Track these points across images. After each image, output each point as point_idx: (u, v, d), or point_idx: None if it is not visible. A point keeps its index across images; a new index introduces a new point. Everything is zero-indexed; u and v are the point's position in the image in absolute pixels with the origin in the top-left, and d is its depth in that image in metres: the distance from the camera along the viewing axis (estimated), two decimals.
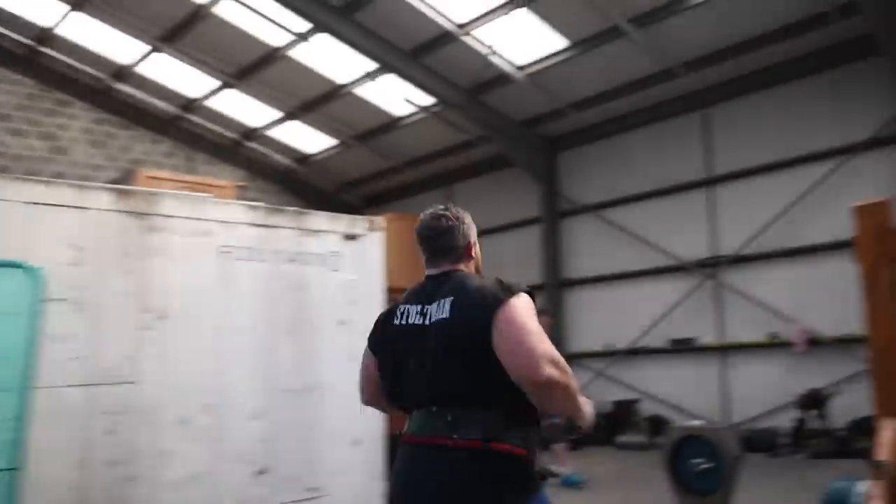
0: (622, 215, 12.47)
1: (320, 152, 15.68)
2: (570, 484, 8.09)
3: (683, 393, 11.18)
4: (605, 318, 12.63)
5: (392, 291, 11.98)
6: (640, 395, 11.82)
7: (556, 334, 12.36)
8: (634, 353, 12.05)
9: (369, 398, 2.71)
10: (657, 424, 10.81)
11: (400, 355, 2.47)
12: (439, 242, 2.58)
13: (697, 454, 5.81)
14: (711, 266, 11.22)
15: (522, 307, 2.30)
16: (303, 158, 16.05)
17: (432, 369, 2.34)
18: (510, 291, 2.32)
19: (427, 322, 2.42)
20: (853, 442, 8.63)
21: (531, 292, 2.40)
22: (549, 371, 2.15)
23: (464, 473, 2.25)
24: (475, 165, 14.78)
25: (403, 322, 2.49)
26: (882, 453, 5.07)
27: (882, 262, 5.50)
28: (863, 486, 5.04)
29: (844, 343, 9.50)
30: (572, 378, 2.24)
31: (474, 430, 2.27)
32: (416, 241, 2.60)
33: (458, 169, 15.12)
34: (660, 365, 11.79)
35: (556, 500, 7.45)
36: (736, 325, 10.98)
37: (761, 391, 10.55)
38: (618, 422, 11.41)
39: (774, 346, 10.44)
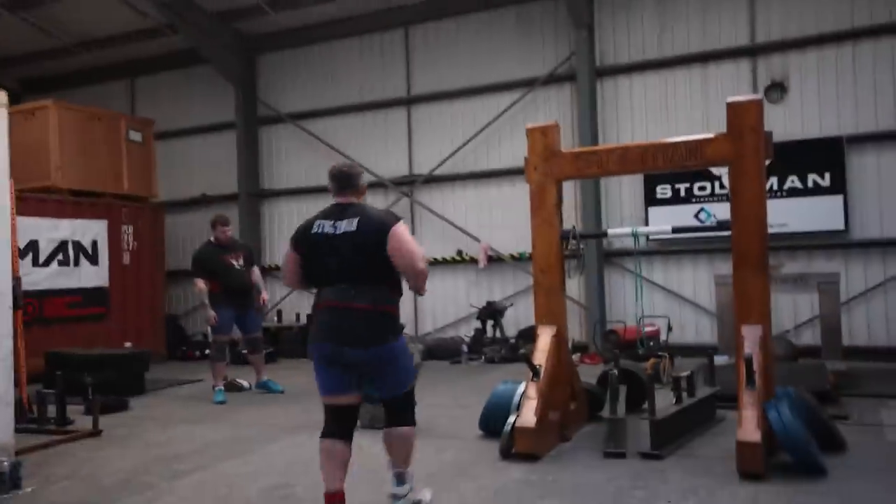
0: (324, 128, 12.12)
1: None
2: (269, 389, 7.93)
3: None
4: None
5: (55, 191, 10.32)
6: None
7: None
8: None
9: (289, 282, 4.10)
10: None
11: (318, 252, 3.82)
12: (349, 181, 4.02)
13: None
14: (408, 184, 11.50)
15: (404, 228, 3.79)
16: None
17: (342, 261, 3.75)
18: (396, 218, 3.83)
19: (337, 232, 3.80)
20: (521, 348, 9.65)
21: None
22: (422, 265, 3.79)
23: (362, 321, 3.72)
24: (162, 58, 13.16)
25: (320, 231, 3.85)
26: (538, 357, 5.66)
27: (548, 181, 5.88)
28: (521, 387, 5.61)
29: (519, 261, 10.49)
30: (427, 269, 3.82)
31: (368, 299, 3.73)
32: (328, 178, 4.06)
33: (142, 60, 13.34)
34: None
35: (251, 404, 7.19)
36: (427, 242, 11.48)
37: (448, 304, 11.29)
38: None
39: (460, 262, 11.15)
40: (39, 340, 9.57)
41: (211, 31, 11.93)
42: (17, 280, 6.60)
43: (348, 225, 3.77)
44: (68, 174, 10.42)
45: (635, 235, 5.45)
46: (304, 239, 3.90)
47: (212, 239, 7.91)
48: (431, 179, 11.37)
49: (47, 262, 10.00)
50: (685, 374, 5.47)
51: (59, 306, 10.15)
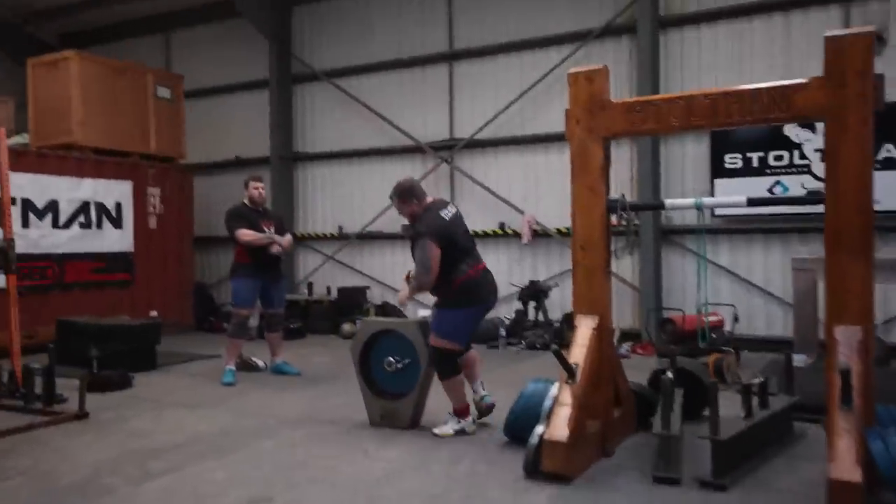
0: (360, 86, 11.29)
1: None
2: (284, 373, 7.27)
3: None
4: (337, 199, 11.66)
5: (77, 149, 9.79)
6: (371, 281, 11.20)
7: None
8: (366, 237, 11.31)
9: (434, 275, 4.85)
10: (386, 313, 10.30)
11: (456, 232, 5.02)
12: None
13: (391, 352, 5.12)
14: (448, 149, 10.61)
15: None
16: None
17: (467, 235, 5.22)
18: None
19: (454, 213, 5.14)
20: (566, 334, 8.75)
21: None
22: None
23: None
24: (197, 11, 12.49)
25: (448, 217, 5.02)
26: (574, 354, 4.73)
27: (592, 138, 4.63)
28: (554, 390, 4.73)
29: (567, 236, 9.50)
30: None
31: None
32: (414, 186, 5.20)
33: (177, 13, 12.72)
34: (394, 251, 11.18)
35: (260, 388, 6.55)
36: (467, 213, 10.54)
37: None
38: (344, 310, 10.70)
39: (502, 236, 10.26)
40: (59, 307, 9.16)
41: None
42: (8, 241, 6.07)
43: (452, 208, 5.16)
44: (91, 131, 9.90)
45: (699, 208, 4.46)
46: (445, 229, 4.90)
47: (245, 201, 7.22)
48: (473, 144, 10.44)
49: (68, 224, 9.54)
50: (757, 380, 4.51)
51: (82, 271, 9.70)
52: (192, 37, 12.88)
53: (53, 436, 4.96)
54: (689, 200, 4.55)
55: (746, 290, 8.71)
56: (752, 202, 4.49)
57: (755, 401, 4.46)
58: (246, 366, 7.48)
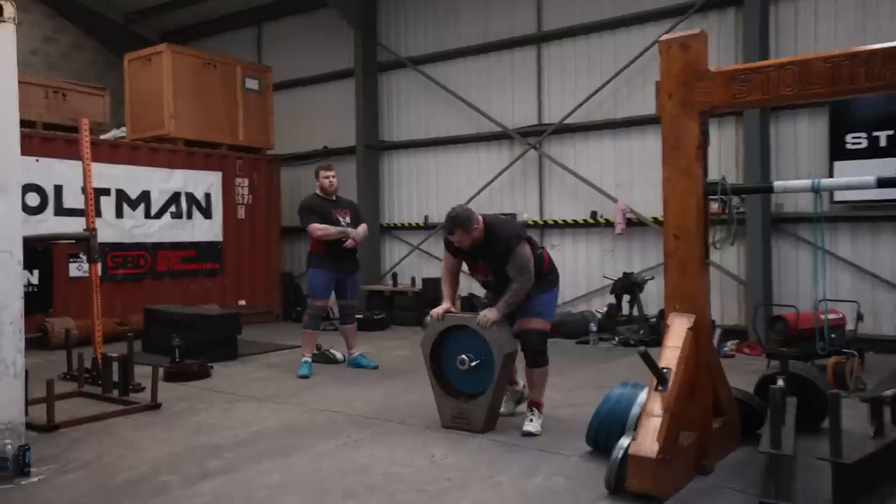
0: (445, 73, 10.95)
1: None
2: (360, 366, 7.06)
3: None
4: (423, 188, 11.39)
5: (168, 140, 9.94)
6: None
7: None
8: None
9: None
10: (473, 306, 9.93)
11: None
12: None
13: (464, 349, 4.74)
14: (536, 135, 10.11)
15: None
16: None
17: None
18: None
19: None
20: (662, 330, 8.10)
21: None
22: None
23: None
24: (286, 2, 12.55)
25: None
26: (666, 357, 3.78)
27: (687, 112, 4.01)
28: (642, 396, 3.94)
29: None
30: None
31: None
32: (471, 211, 4.77)
33: (267, 5, 12.82)
34: None
35: (335, 381, 6.34)
36: (556, 202, 10.10)
37: (579, 274, 9.90)
38: (429, 301, 10.39)
39: (594, 225, 9.67)
40: (151, 295, 9.36)
41: None
42: (92, 231, 6.12)
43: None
44: (182, 123, 10.04)
45: (817, 190, 3.81)
46: (521, 226, 5.28)
47: (317, 191, 7.04)
48: (562, 129, 9.90)
49: (159, 214, 9.72)
50: (892, 391, 3.84)
51: (173, 260, 9.88)
52: (281, 29, 12.95)
53: (123, 426, 4.90)
54: (805, 182, 3.91)
55: (871, 284, 7.79)
56: (882, 183, 3.80)
57: (888, 415, 3.79)
58: (325, 358, 7.32)
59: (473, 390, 4.75)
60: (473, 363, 4.69)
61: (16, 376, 3.89)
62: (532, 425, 4.67)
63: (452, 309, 4.94)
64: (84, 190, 6.14)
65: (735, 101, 3.96)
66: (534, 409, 4.77)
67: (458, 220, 4.63)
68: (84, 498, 3.57)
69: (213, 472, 3.95)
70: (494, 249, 4.68)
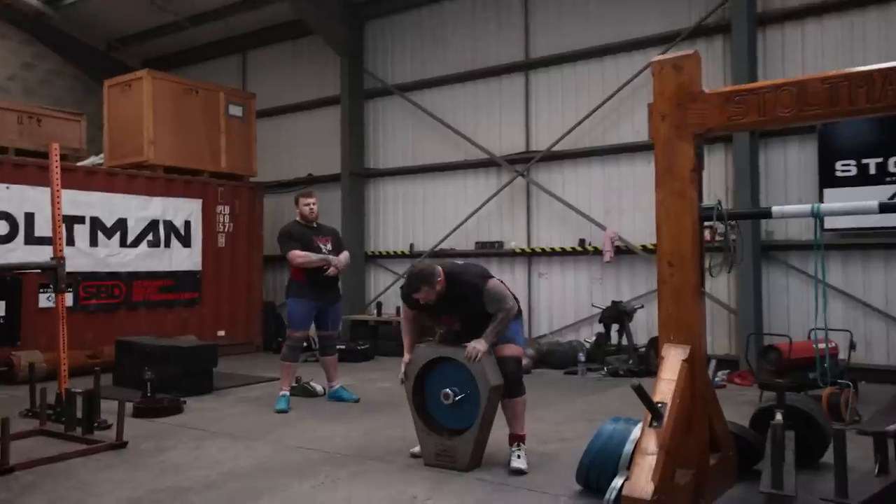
0: (433, 100, 10.85)
1: None
2: (341, 399, 6.78)
3: None
4: (408, 216, 11.22)
5: (147, 167, 9.69)
6: None
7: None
8: (438, 255, 10.78)
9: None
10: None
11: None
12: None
13: (448, 383, 4.50)
14: (524, 162, 9.97)
15: None
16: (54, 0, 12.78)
17: None
18: None
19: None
20: (652, 360, 7.91)
21: None
22: None
23: None
24: (270, 30, 12.45)
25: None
26: (660, 391, 3.53)
27: (681, 135, 3.82)
28: (636, 432, 3.73)
29: (653, 253, 8.64)
30: None
31: None
32: (433, 265, 4.57)
33: (251, 33, 12.71)
34: None
35: (314, 416, 6.05)
36: (544, 229, 9.93)
37: (567, 302, 9.72)
38: None
39: (583, 253, 9.50)
40: (126, 325, 9.05)
41: None
42: (59, 260, 5.86)
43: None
44: (162, 149, 9.83)
45: (818, 215, 3.64)
46: (482, 268, 4.92)
47: (297, 218, 6.82)
48: (550, 156, 9.77)
49: (136, 243, 9.45)
50: (894, 427, 3.63)
51: (149, 289, 9.59)
52: (266, 56, 12.85)
53: (83, 468, 4.60)
54: (804, 207, 3.74)
55: (863, 313, 7.65)
56: (885, 208, 3.63)
57: (892, 450, 3.59)
58: (304, 391, 7.04)
59: (458, 426, 4.51)
60: (458, 397, 4.46)
61: None
62: (520, 462, 4.42)
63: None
64: (52, 217, 5.89)
65: (730, 124, 3.80)
66: (518, 443, 4.53)
67: (423, 276, 4.42)
68: None
69: None
70: (460, 298, 4.48)
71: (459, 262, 4.84)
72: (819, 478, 4.24)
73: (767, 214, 4.00)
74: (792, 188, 8.10)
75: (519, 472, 4.35)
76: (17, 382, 7.40)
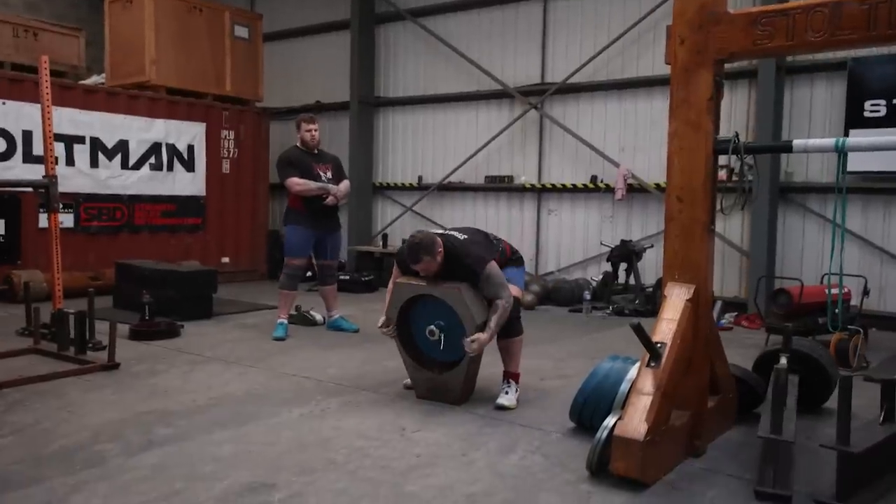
0: (446, 26, 10.43)
1: None
2: (340, 329, 6.72)
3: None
4: (418, 147, 10.95)
5: (149, 88, 9.45)
6: None
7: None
8: (447, 188, 10.56)
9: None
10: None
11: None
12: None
13: (432, 318, 4.36)
14: (538, 94, 9.62)
15: None
16: None
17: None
18: None
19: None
20: (659, 300, 7.74)
21: None
22: None
23: None
24: None
25: (461, 233, 4.55)
26: (660, 331, 3.37)
27: (700, 61, 3.53)
28: (634, 372, 3.53)
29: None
30: None
31: None
32: (433, 234, 4.35)
33: None
34: (475, 203, 10.42)
35: (312, 345, 5.98)
36: (556, 165, 9.66)
37: (576, 240, 9.53)
38: None
39: (594, 190, 9.25)
40: (128, 249, 8.98)
41: None
42: (51, 178, 5.70)
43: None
44: (164, 70, 9.54)
45: (842, 150, 3.38)
46: (486, 239, 4.64)
47: (298, 144, 6.60)
48: (566, 89, 9.41)
49: (138, 165, 9.28)
50: None
51: (151, 214, 9.48)
52: None
53: (73, 387, 4.55)
54: (828, 140, 3.48)
55: (880, 259, 7.41)
56: None
57: None
58: (303, 319, 6.98)
59: (448, 358, 4.39)
60: (444, 333, 4.31)
61: None
62: (507, 398, 4.32)
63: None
64: (44, 133, 5.70)
65: (755, 48, 3.51)
66: (510, 381, 4.42)
67: (423, 246, 4.16)
68: (8, 468, 3.22)
69: (158, 441, 3.60)
70: (457, 276, 4.23)
71: (460, 236, 4.38)
72: (821, 423, 4.13)
73: (788, 148, 3.74)
74: (816, 128, 7.75)
75: (503, 408, 4.25)
76: (17, 301, 7.37)
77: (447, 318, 4.29)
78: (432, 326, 4.31)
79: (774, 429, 3.20)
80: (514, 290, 4.43)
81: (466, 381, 4.35)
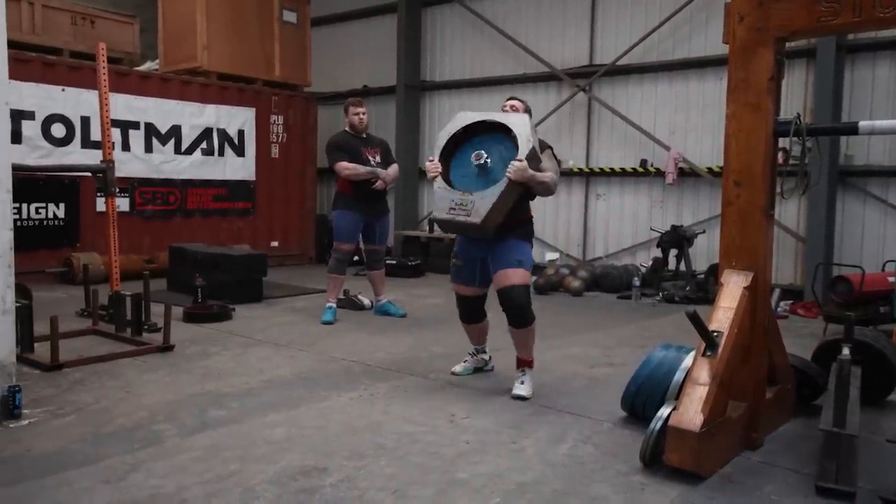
0: (494, 8, 10.32)
1: None
2: (388, 314, 6.75)
3: (543, 221, 9.77)
4: None
5: (201, 73, 9.61)
6: None
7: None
8: None
9: None
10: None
11: None
12: None
13: (483, 147, 4.23)
14: (586, 77, 9.46)
15: None
16: None
17: None
18: None
19: None
20: (710, 287, 7.59)
21: None
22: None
23: None
24: None
25: None
26: (717, 319, 3.27)
27: (761, 38, 3.42)
28: (688, 360, 3.43)
29: (719, 176, 8.17)
30: None
31: None
32: None
33: None
34: None
35: (360, 329, 6.03)
36: (605, 148, 9.50)
37: (625, 225, 9.38)
38: None
39: (644, 174, 9.07)
40: (181, 233, 9.18)
41: None
42: (108, 163, 5.83)
43: None
44: (215, 56, 9.68)
45: None
46: None
47: (346, 128, 6.63)
48: (615, 71, 9.23)
49: (190, 150, 9.46)
50: None
51: (203, 198, 9.66)
52: None
53: (129, 368, 4.67)
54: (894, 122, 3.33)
55: None
56: None
57: None
58: (351, 303, 7.03)
59: (481, 187, 4.14)
60: (489, 161, 4.13)
61: (5, 313, 3.64)
62: (523, 388, 4.21)
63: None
64: (101, 119, 5.83)
65: (819, 26, 3.37)
66: (524, 368, 4.30)
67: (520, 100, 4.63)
68: (70, 445, 3.32)
69: (213, 422, 3.67)
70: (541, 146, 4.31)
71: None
72: (884, 417, 4.00)
73: (853, 130, 3.59)
74: (878, 109, 7.45)
75: (520, 399, 4.14)
76: (76, 283, 7.60)
77: (496, 153, 4.15)
78: (481, 150, 4.15)
79: (837, 422, 3.09)
80: (524, 275, 4.19)
81: (493, 209, 4.04)
